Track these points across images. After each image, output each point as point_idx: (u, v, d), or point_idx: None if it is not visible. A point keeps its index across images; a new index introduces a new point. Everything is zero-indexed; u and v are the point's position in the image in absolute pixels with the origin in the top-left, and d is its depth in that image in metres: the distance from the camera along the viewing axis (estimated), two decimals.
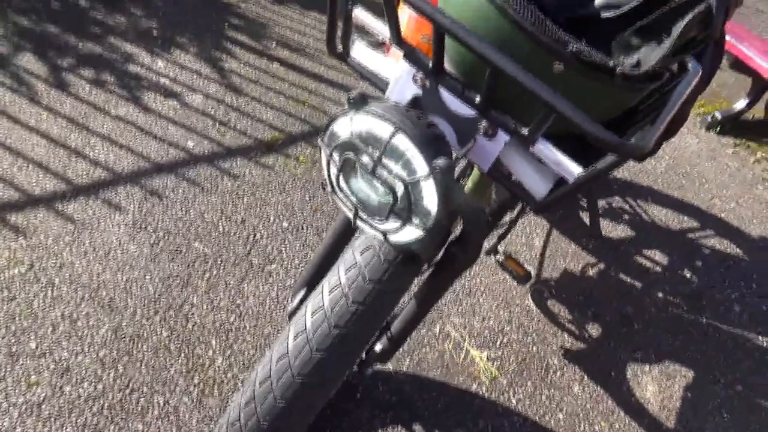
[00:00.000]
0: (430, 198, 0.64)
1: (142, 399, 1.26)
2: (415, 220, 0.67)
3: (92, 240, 1.56)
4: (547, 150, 0.62)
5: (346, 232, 1.05)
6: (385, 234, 0.71)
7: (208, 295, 1.51)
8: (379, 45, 0.95)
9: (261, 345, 1.42)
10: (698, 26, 0.57)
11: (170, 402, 1.27)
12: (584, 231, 2.03)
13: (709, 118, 2.94)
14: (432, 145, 0.63)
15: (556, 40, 0.56)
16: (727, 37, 2.51)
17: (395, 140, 0.62)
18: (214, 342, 1.40)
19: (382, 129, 0.63)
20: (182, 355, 1.36)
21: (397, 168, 0.64)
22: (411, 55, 0.67)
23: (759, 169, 2.74)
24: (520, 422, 1.42)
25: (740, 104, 2.89)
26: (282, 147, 2.07)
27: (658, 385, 1.60)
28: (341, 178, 0.71)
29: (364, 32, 0.80)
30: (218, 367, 1.36)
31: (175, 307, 1.46)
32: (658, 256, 2.04)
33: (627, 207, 2.23)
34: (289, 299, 1.16)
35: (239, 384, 1.33)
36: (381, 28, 0.75)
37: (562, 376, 1.55)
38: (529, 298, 1.74)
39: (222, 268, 1.58)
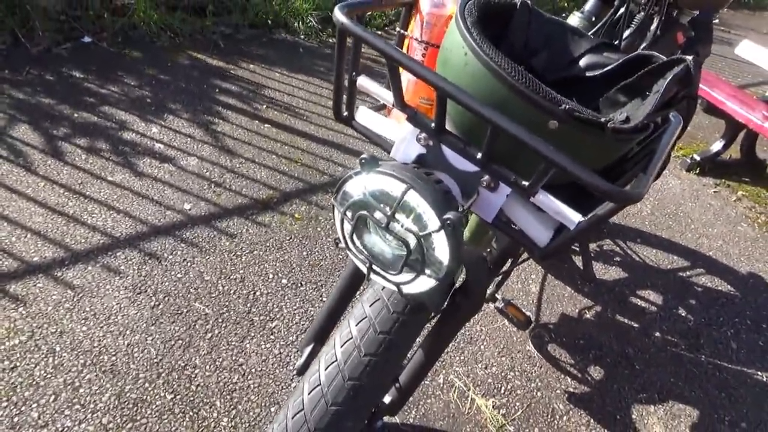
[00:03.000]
0: (441, 249, 0.67)
1: None
2: (428, 271, 0.70)
3: (92, 305, 1.56)
4: (547, 200, 0.66)
5: (352, 287, 1.07)
6: (398, 285, 0.74)
7: (211, 355, 1.50)
8: (379, 108, 1.00)
9: (266, 404, 1.41)
10: (678, 84, 0.63)
11: None
12: (578, 275, 2.07)
13: (688, 161, 3.05)
14: (441, 199, 0.67)
15: (550, 99, 0.61)
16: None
17: (407, 197, 0.66)
18: (218, 403, 1.39)
19: (394, 187, 0.67)
20: (187, 417, 1.34)
21: (409, 222, 0.68)
22: (414, 117, 0.72)
23: (741, 207, 2.82)
24: None
25: (716, 146, 3.02)
26: (277, 205, 2.11)
27: (665, 426, 1.59)
28: (355, 234, 0.74)
29: (364, 96, 0.85)
30: (223, 428, 1.34)
31: (178, 369, 1.45)
32: (652, 296, 2.07)
33: (618, 249, 2.28)
34: (299, 355, 1.17)
35: None
36: (384, 94, 0.80)
37: (568, 420, 1.54)
38: (530, 343, 1.75)
39: (223, 327, 1.58)
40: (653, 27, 1.13)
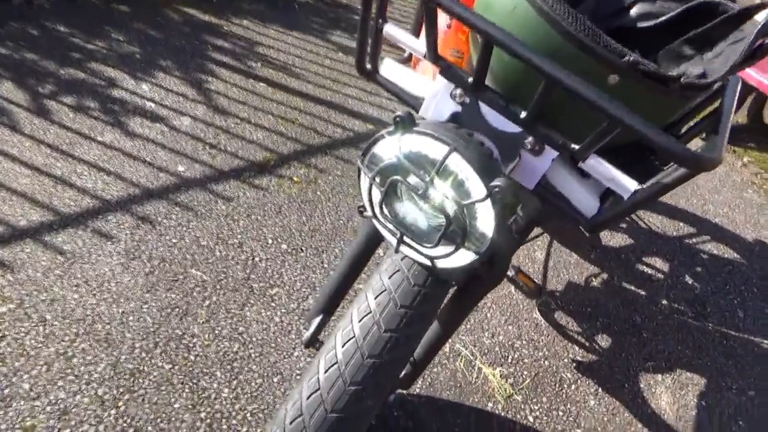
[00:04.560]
0: (485, 220, 0.60)
1: None
2: (468, 244, 0.63)
3: (84, 272, 1.49)
4: (600, 165, 0.59)
5: (364, 256, 1.01)
6: (432, 260, 0.67)
7: (209, 323, 1.44)
8: (404, 62, 0.92)
9: (268, 374, 1.36)
10: (766, 33, 0.55)
11: None
12: (583, 239, 2.02)
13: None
14: (486, 164, 0.59)
15: (612, 50, 0.53)
16: None
17: (449, 161, 0.59)
18: (218, 373, 1.34)
19: (435, 149, 0.60)
20: (186, 388, 1.29)
21: (449, 190, 0.61)
22: (449, 70, 0.64)
23: (747, 173, 2.77)
24: None
25: None
26: (275, 168, 2.03)
27: (672, 395, 1.57)
28: (384, 202, 0.67)
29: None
30: (225, 399, 1.29)
31: (176, 338, 1.39)
32: (658, 263, 2.03)
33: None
34: (306, 327, 1.11)
35: (261, 424, 1.27)
36: (414, 44, 0.71)
37: (576, 389, 1.51)
38: (537, 311, 1.71)
39: (222, 294, 1.52)
40: None
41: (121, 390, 1.26)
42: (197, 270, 1.57)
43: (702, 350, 1.73)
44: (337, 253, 1.74)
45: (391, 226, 0.69)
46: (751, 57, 0.57)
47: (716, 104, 0.65)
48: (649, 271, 1.98)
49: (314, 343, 1.06)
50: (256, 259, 1.65)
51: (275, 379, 1.36)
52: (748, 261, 2.16)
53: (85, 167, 1.82)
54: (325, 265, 1.69)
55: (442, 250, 0.65)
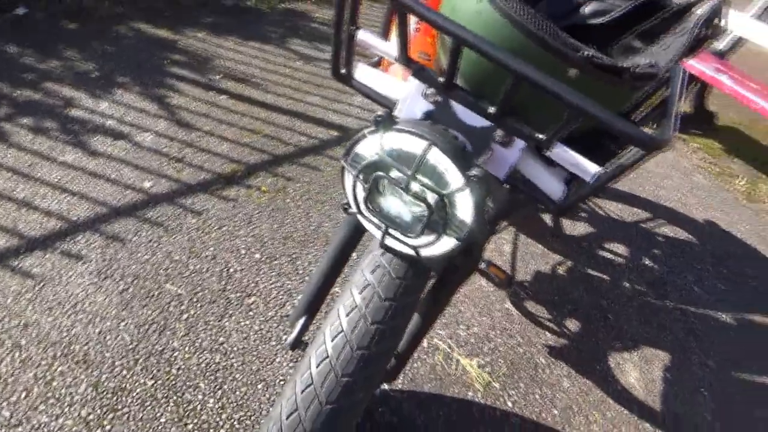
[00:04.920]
0: (465, 208, 0.64)
1: None
2: (450, 232, 0.67)
3: (56, 294, 1.48)
4: (564, 153, 0.64)
5: (342, 257, 1.04)
6: (416, 249, 0.71)
7: (189, 336, 1.45)
8: (375, 65, 0.96)
9: (251, 381, 1.37)
10: (706, 25, 0.61)
11: None
12: (548, 232, 2.10)
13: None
14: (462, 156, 0.64)
15: (570, 46, 0.58)
16: None
17: (429, 155, 0.63)
18: (202, 384, 1.35)
19: (415, 145, 0.64)
20: (171, 402, 1.30)
21: (430, 182, 0.65)
22: (421, 72, 0.68)
23: (695, 158, 2.92)
24: (519, 423, 1.43)
25: None
26: (242, 178, 2.04)
27: (640, 371, 1.65)
28: (368, 198, 0.70)
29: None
30: (211, 409, 1.30)
31: (156, 353, 1.39)
32: (619, 248, 2.12)
33: (582, 204, 2.31)
34: (289, 330, 1.13)
35: (254, 425, 1.28)
36: (386, 48, 0.75)
37: (551, 373, 1.58)
38: (508, 301, 1.77)
39: (199, 307, 1.53)
40: None
41: (104, 409, 1.25)
42: (172, 285, 1.57)
43: (664, 328, 1.82)
44: (311, 259, 1.76)
45: (376, 221, 0.72)
46: (693, 47, 0.63)
47: (665, 93, 0.71)
48: (611, 257, 2.07)
49: (299, 344, 1.08)
50: (231, 269, 1.66)
51: (259, 386, 1.37)
52: (701, 241, 2.28)
53: (48, 189, 1.80)
54: (300, 272, 1.71)
55: (425, 239, 0.69)
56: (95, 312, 1.46)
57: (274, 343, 1.48)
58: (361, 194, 0.71)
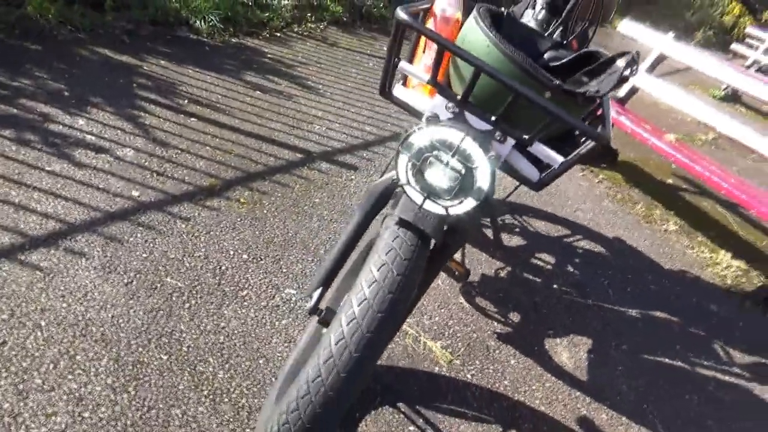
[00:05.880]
0: (483, 178, 0.94)
1: (161, 413, 1.36)
2: (472, 195, 0.96)
3: (66, 284, 1.62)
4: (540, 148, 0.96)
5: (356, 238, 1.30)
6: (447, 209, 0.99)
7: (194, 321, 1.63)
8: (403, 84, 1.25)
9: (254, 357, 1.58)
10: (628, 67, 0.96)
11: (188, 412, 1.38)
12: (491, 244, 2.45)
13: None
14: (482, 144, 0.94)
15: (546, 78, 0.91)
16: None
17: (464, 142, 0.92)
18: (211, 359, 1.53)
19: (455, 135, 0.93)
20: (186, 373, 1.47)
21: (462, 160, 0.94)
22: (444, 91, 0.98)
23: (602, 187, 3.43)
24: (478, 391, 1.72)
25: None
26: (221, 191, 2.24)
27: (570, 352, 2.00)
28: (416, 172, 0.98)
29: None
30: (222, 379, 1.49)
31: (166, 334, 1.56)
32: (547, 257, 2.51)
33: (517, 222, 2.70)
34: (308, 299, 1.35)
35: (257, 395, 1.47)
36: (420, 74, 1.05)
37: (500, 353, 1.89)
38: (462, 297, 2.08)
39: (199, 297, 1.71)
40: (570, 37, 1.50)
41: (128, 378, 1.42)
42: (172, 279, 1.75)
43: (586, 319, 2.20)
44: (293, 260, 1.99)
45: (418, 189, 1.00)
46: (619, 83, 0.99)
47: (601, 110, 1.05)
48: (542, 264, 2.45)
49: (315, 311, 1.32)
50: (223, 267, 1.86)
51: (261, 361, 1.58)
52: (611, 253, 2.72)
53: (42, 194, 1.92)
54: (284, 270, 1.93)
55: (454, 201, 0.98)
56: (105, 300, 1.61)
57: (269, 327, 1.70)
58: (412, 170, 0.99)
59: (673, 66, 6.72)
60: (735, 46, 7.90)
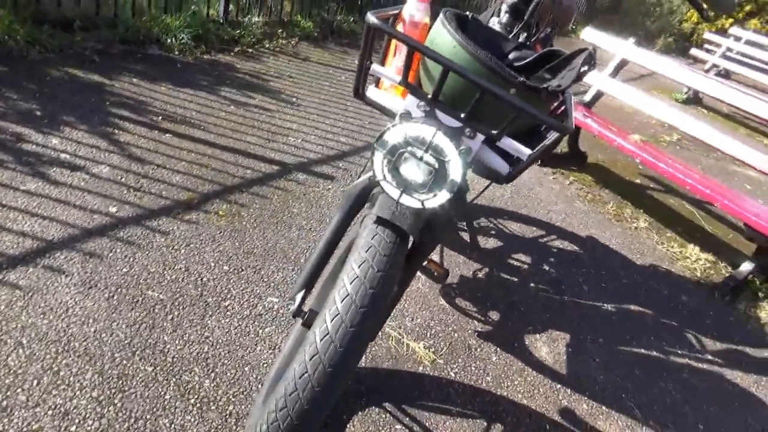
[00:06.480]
0: (455, 171, 0.98)
1: (148, 424, 1.36)
2: (446, 188, 1.00)
3: (46, 301, 1.61)
4: (509, 142, 1.01)
5: (336, 241, 1.33)
6: (423, 202, 1.03)
7: (177, 332, 1.64)
8: (376, 85, 1.29)
9: (239, 365, 1.59)
10: (586, 63, 1.02)
11: (175, 422, 1.39)
12: (467, 246, 2.50)
13: None
14: (453, 139, 0.98)
15: (511, 76, 0.96)
16: None
17: (436, 137, 0.96)
18: (197, 369, 1.54)
19: (427, 131, 0.97)
20: (171, 383, 1.48)
21: (435, 154, 0.98)
22: (415, 91, 1.03)
23: (573, 189, 3.52)
24: (461, 388, 1.75)
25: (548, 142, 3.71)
26: (199, 205, 2.25)
27: (549, 347, 2.05)
28: (392, 168, 1.02)
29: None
30: (208, 387, 1.50)
31: (150, 346, 1.57)
32: (523, 257, 2.57)
33: (492, 225, 2.76)
34: (291, 302, 1.37)
35: (244, 402, 1.48)
36: (392, 75, 1.09)
37: (482, 351, 1.93)
38: (442, 299, 2.12)
39: (182, 309, 1.72)
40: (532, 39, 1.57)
41: (113, 390, 1.42)
42: (153, 291, 1.75)
43: (563, 315, 2.26)
44: (273, 269, 2.01)
45: (394, 184, 1.04)
46: (578, 78, 1.05)
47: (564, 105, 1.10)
48: (518, 264, 2.51)
49: (299, 313, 1.34)
50: (204, 279, 1.87)
51: (246, 369, 1.59)
52: (584, 251, 2.80)
53: (17, 213, 1.91)
54: (265, 280, 1.95)
55: (429, 195, 1.02)
56: (87, 315, 1.61)
57: (252, 335, 1.71)
58: (387, 166, 1.02)
59: (637, 71, 6.94)
60: (694, 51, 8.19)
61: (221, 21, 4.48)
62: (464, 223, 2.57)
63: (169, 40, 3.92)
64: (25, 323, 1.53)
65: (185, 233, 2.05)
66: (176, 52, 3.87)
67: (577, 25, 8.56)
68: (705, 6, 1.42)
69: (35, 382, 1.38)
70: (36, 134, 2.39)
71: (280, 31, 4.93)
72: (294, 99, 3.62)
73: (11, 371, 1.39)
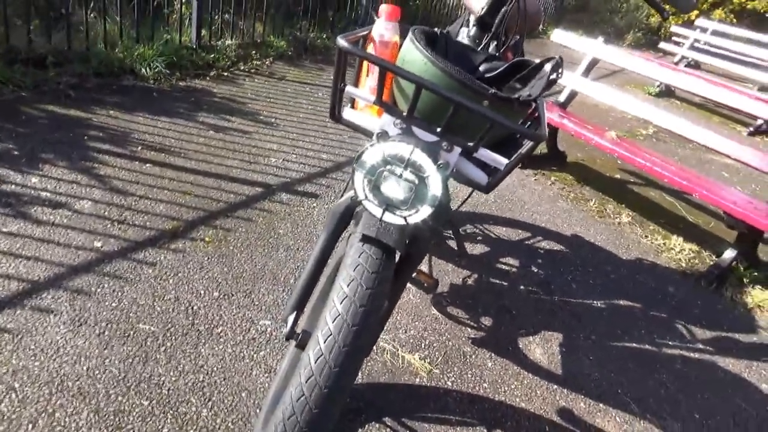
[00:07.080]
0: (435, 186, 1.00)
1: None
2: (427, 203, 1.02)
3: (36, 343, 1.60)
4: (485, 153, 1.03)
5: (324, 261, 1.34)
6: (406, 218, 1.05)
7: (171, 363, 1.63)
8: (351, 106, 1.31)
9: (236, 391, 1.58)
10: (554, 71, 1.04)
11: None
12: (455, 254, 2.52)
13: None
14: (431, 155, 1.00)
15: (482, 88, 0.98)
16: None
17: (414, 154, 0.98)
18: (193, 399, 1.54)
19: (405, 149, 0.99)
20: (168, 416, 1.47)
21: (415, 171, 1.00)
22: (390, 109, 1.05)
23: (555, 189, 3.56)
24: (459, 396, 1.76)
25: (526, 144, 3.75)
26: (185, 232, 2.25)
27: (542, 348, 2.07)
28: (372, 187, 1.03)
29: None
30: (206, 417, 1.49)
31: (145, 380, 1.56)
32: (511, 260, 2.59)
33: (478, 230, 2.79)
34: (283, 324, 1.37)
35: (243, 429, 1.47)
36: (366, 96, 1.11)
37: (477, 357, 1.94)
38: (433, 308, 2.13)
39: (174, 339, 1.71)
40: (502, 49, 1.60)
41: (110, 428, 1.40)
42: (144, 324, 1.75)
43: (555, 315, 2.28)
44: (264, 292, 2.01)
45: (376, 203, 1.05)
46: (548, 86, 1.07)
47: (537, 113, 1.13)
48: (506, 268, 2.53)
49: (292, 335, 1.34)
50: (195, 307, 1.87)
51: (243, 394, 1.59)
52: (571, 250, 2.83)
53: (0, 256, 1.89)
54: (256, 303, 1.95)
55: (411, 211, 1.04)
56: (78, 353, 1.59)
57: (248, 360, 1.71)
58: (368, 185, 1.04)
59: (609, 68, 7.05)
60: (663, 45, 8.36)
61: (194, 47, 4.49)
62: (451, 231, 2.59)
63: (143, 70, 3.91)
64: (16, 366, 1.51)
65: (172, 262, 2.05)
66: (151, 81, 3.86)
67: (547, 27, 8.69)
68: (666, 7, 1.47)
69: (30, 426, 1.37)
70: (15, 174, 2.37)
71: (254, 52, 4.94)
72: (273, 119, 3.64)
73: (5, 417, 1.38)
